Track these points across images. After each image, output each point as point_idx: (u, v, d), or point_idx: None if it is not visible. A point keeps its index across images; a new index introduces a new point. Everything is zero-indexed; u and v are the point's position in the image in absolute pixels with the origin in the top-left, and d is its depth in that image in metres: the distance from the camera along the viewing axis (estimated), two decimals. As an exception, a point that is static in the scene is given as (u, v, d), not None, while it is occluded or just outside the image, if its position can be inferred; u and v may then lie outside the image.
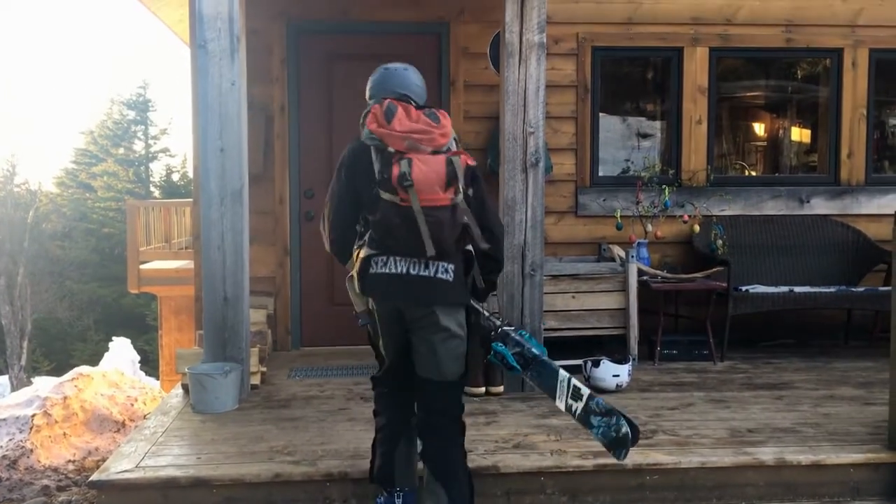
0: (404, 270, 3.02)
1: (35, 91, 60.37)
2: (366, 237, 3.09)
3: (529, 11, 4.57)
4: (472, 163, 3.05)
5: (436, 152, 2.99)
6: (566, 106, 6.04)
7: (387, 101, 3.06)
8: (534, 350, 3.12)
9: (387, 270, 3.03)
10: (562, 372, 3.07)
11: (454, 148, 3.09)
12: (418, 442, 3.18)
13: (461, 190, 2.97)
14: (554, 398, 3.07)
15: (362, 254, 3.08)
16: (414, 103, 3.14)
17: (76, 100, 61.17)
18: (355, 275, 3.12)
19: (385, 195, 2.97)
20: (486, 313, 3.20)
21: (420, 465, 3.17)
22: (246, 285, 4.53)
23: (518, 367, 3.11)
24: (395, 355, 3.16)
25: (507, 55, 4.61)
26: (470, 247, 3.09)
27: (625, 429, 2.88)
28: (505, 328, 3.17)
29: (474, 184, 3.08)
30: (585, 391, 3.00)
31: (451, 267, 3.04)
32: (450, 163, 2.95)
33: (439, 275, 3.02)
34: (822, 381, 4.98)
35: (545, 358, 3.11)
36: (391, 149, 2.98)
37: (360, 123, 3.09)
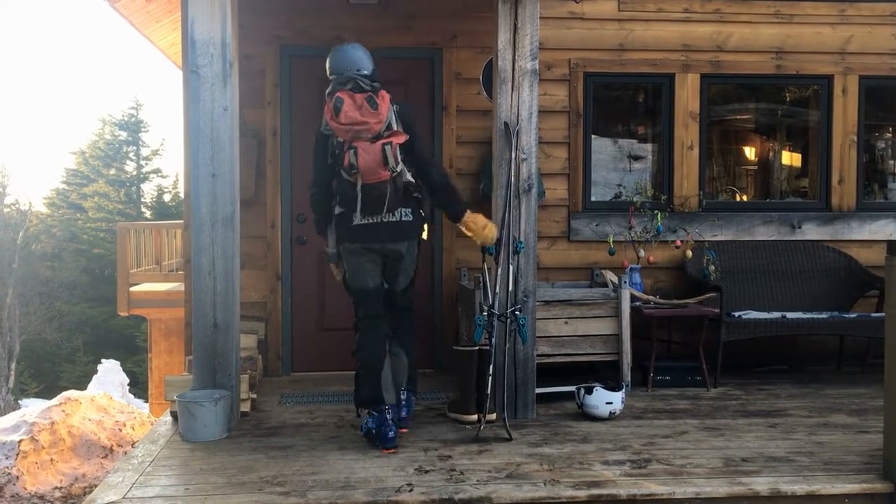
0: (377, 220, 4.06)
1: (26, 111, 60.34)
2: (337, 198, 4.13)
3: (522, 38, 4.59)
4: (401, 141, 3.98)
5: (375, 137, 3.93)
6: (559, 131, 6.05)
7: (335, 96, 3.97)
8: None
9: (365, 221, 4.06)
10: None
11: (393, 124, 4.02)
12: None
13: (398, 164, 3.94)
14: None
15: (336, 211, 4.15)
16: (361, 80, 4.01)
17: (67, 120, 61.16)
18: (334, 226, 4.19)
19: (342, 173, 4.00)
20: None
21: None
22: (237, 311, 4.50)
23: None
24: (367, 283, 4.18)
25: (499, 82, 4.62)
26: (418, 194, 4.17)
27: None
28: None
29: (412, 150, 4.07)
30: None
31: (408, 210, 4.12)
32: (384, 149, 3.91)
33: (403, 218, 4.10)
34: (815, 408, 4.96)
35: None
36: (340, 139, 3.97)
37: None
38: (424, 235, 4.35)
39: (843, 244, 6.22)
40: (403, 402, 4.32)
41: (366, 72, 4.10)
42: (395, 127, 4.02)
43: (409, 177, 4.07)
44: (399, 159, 3.95)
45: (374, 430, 4.08)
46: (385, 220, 4.06)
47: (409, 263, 4.25)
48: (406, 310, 4.38)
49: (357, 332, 4.23)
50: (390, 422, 4.04)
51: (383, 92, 4.05)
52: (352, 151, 3.91)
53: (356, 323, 4.24)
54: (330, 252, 4.28)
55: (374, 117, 3.93)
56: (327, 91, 4.10)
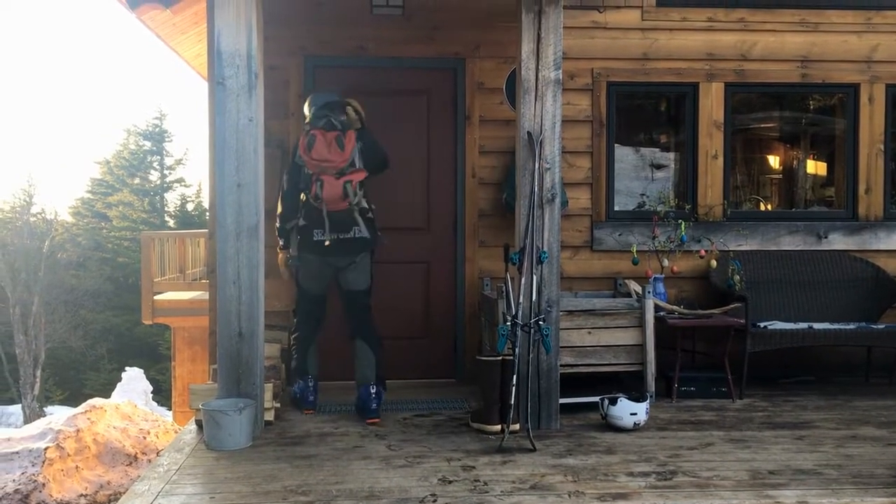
0: (335, 237, 4.79)
1: (52, 121, 61.18)
2: (302, 212, 4.87)
3: (545, 48, 4.59)
4: (360, 178, 4.77)
5: (339, 173, 4.70)
6: (582, 140, 6.04)
7: (310, 133, 4.73)
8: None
9: (324, 238, 4.78)
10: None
11: (356, 161, 4.79)
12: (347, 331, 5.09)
13: (355, 196, 4.75)
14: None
15: (300, 223, 4.89)
16: (335, 119, 4.78)
17: (93, 130, 61.89)
18: (297, 236, 4.93)
19: (308, 198, 4.77)
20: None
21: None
22: (261, 321, 4.52)
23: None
24: (315, 289, 5.02)
25: (523, 91, 4.62)
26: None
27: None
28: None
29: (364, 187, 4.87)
30: None
31: (363, 228, 4.85)
32: (345, 186, 4.71)
33: (356, 235, 4.84)
34: (843, 420, 4.89)
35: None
36: (309, 171, 4.74)
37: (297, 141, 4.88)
38: None
39: (871, 254, 6.15)
40: (374, 395, 4.87)
41: (342, 116, 4.84)
42: (357, 164, 4.80)
43: (364, 203, 4.86)
44: (357, 192, 4.75)
45: (297, 395, 5.03)
46: (342, 237, 4.81)
47: (363, 269, 4.98)
48: (366, 309, 5.03)
49: (296, 317, 5.16)
50: (311, 388, 5.01)
51: (351, 132, 4.79)
52: (318, 183, 4.68)
53: (295, 310, 5.19)
54: (294, 255, 5.00)
55: (340, 156, 4.71)
56: (304, 127, 4.91)
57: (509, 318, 4.41)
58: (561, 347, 4.81)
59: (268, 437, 4.47)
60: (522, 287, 4.47)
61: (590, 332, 5.18)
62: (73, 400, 20.64)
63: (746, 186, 6.63)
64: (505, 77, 5.91)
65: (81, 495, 6.20)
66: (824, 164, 6.74)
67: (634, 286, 5.55)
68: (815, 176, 6.77)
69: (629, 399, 4.63)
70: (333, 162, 4.71)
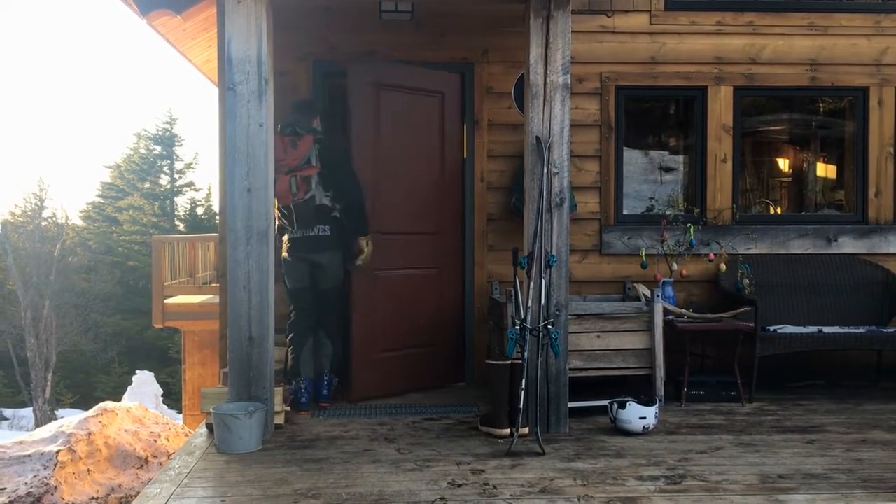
0: (302, 234, 5.17)
1: (64, 125, 61.48)
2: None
3: (554, 53, 4.60)
4: (307, 173, 5.08)
5: (290, 170, 5.04)
6: (590, 145, 6.05)
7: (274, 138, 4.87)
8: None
9: (296, 235, 5.19)
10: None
11: (313, 160, 5.11)
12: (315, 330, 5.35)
13: (309, 190, 5.09)
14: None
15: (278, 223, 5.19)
16: (298, 126, 5.08)
17: (104, 134, 62.19)
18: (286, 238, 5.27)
19: None
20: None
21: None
22: (271, 325, 4.54)
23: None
24: (295, 283, 5.25)
25: (531, 96, 4.64)
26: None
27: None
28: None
29: (330, 180, 5.15)
30: None
31: (326, 227, 5.16)
32: (290, 181, 5.06)
33: (320, 233, 5.16)
34: (853, 424, 4.88)
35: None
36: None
37: None
38: (367, 248, 5.19)
39: (881, 258, 6.14)
40: (326, 383, 5.31)
41: (312, 120, 5.19)
42: (313, 163, 5.10)
43: (324, 200, 5.14)
44: (304, 187, 5.07)
45: (292, 397, 5.11)
46: (307, 235, 5.16)
47: (331, 270, 5.25)
48: (332, 307, 5.36)
49: (290, 321, 5.29)
50: (304, 391, 5.15)
51: (308, 136, 5.11)
52: (273, 180, 4.85)
53: (290, 312, 5.31)
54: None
55: (292, 155, 5.05)
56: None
57: (518, 322, 4.42)
58: (570, 351, 4.82)
59: (278, 440, 4.49)
60: (531, 291, 4.48)
61: (599, 336, 5.18)
62: (83, 403, 20.74)
63: (756, 190, 6.62)
64: (513, 81, 5.93)
65: (93, 498, 6.23)
66: (834, 168, 6.73)
67: (643, 290, 5.55)
68: (824, 179, 6.76)
69: (638, 403, 4.63)
70: (285, 160, 5.05)
